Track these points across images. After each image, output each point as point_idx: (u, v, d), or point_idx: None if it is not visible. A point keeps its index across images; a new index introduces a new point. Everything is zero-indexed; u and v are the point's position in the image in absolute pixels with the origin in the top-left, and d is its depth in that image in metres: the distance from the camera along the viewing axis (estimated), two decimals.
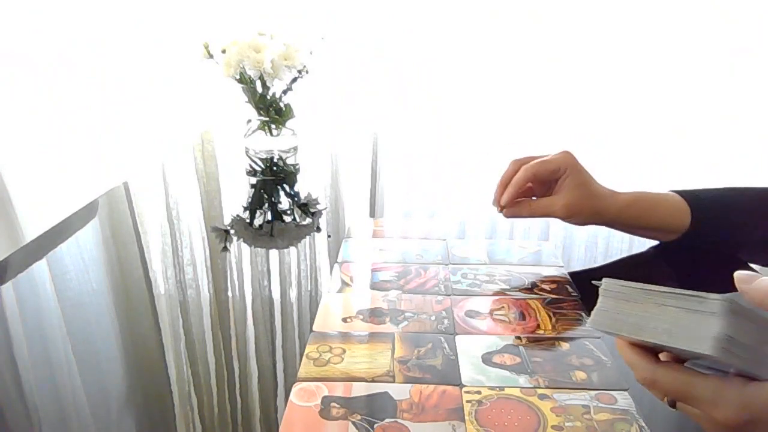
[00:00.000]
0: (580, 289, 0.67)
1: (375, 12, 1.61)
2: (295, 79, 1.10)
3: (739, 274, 0.36)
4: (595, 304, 0.40)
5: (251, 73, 1.06)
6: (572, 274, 0.70)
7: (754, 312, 0.34)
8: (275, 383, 0.53)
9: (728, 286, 0.38)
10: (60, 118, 1.69)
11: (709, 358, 0.33)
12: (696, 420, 0.37)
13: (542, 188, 0.72)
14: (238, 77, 1.07)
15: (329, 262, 0.74)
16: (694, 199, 0.70)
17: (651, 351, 0.38)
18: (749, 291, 0.36)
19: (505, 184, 0.71)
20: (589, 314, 0.61)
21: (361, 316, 0.61)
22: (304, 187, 1.03)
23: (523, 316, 0.61)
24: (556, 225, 0.86)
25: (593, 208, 0.69)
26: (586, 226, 0.73)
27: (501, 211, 0.72)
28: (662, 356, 0.39)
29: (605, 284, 0.38)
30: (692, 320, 0.33)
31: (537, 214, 0.71)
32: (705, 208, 0.70)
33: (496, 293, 0.66)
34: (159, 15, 1.63)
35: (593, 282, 0.39)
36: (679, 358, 0.38)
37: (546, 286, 0.67)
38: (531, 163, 0.70)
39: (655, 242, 0.76)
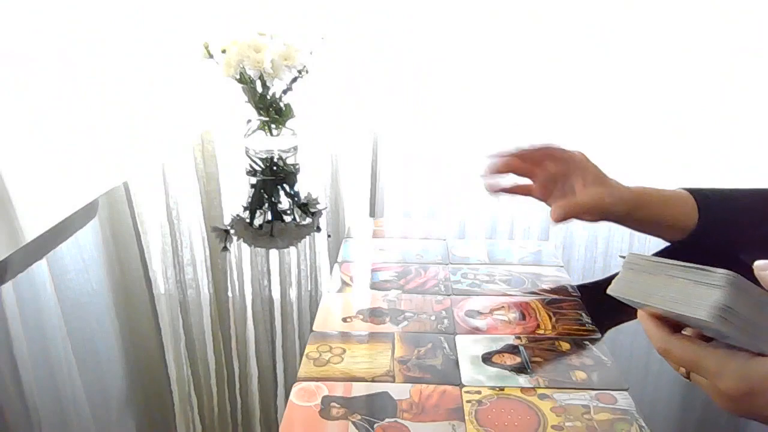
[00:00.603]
0: (580, 290, 0.67)
1: (375, 12, 1.61)
2: (295, 79, 1.10)
3: (758, 263, 0.38)
4: (594, 306, 0.41)
5: (251, 73, 1.06)
6: (579, 287, 0.69)
7: (758, 290, 0.36)
8: (275, 383, 0.53)
9: None
10: (60, 118, 1.69)
11: (708, 325, 0.35)
12: (704, 389, 0.39)
13: (554, 190, 0.70)
14: (238, 77, 1.07)
15: (329, 262, 0.74)
16: (702, 197, 0.70)
17: (669, 324, 0.40)
18: (765, 276, 0.38)
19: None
20: (589, 314, 0.61)
21: (361, 316, 0.61)
22: (304, 187, 1.03)
23: (523, 316, 0.61)
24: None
25: (612, 198, 0.68)
26: (585, 227, 0.73)
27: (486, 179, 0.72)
28: (686, 331, 0.41)
29: (628, 257, 0.42)
30: (697, 290, 0.36)
31: (574, 214, 0.67)
32: (712, 206, 0.70)
33: (496, 293, 0.66)
34: (159, 15, 1.63)
35: (620, 256, 0.43)
36: (703, 335, 0.40)
37: (546, 286, 0.67)
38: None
39: (655, 245, 0.76)
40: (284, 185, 1.04)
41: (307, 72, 1.10)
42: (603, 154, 0.77)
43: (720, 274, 0.35)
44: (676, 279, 0.37)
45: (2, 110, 1.62)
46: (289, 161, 1.14)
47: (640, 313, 0.42)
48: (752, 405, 0.36)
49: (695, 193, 0.70)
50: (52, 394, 0.52)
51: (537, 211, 0.89)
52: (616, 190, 0.69)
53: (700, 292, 0.35)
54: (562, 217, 0.67)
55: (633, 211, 0.69)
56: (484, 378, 0.52)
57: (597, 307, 0.62)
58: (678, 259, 0.38)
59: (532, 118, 1.64)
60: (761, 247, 0.71)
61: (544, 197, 0.73)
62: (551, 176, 0.71)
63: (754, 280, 0.37)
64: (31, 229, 1.61)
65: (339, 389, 0.50)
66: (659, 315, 0.40)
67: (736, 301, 0.34)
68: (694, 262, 0.37)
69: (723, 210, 0.70)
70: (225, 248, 0.79)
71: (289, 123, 1.15)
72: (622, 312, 0.47)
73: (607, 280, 0.43)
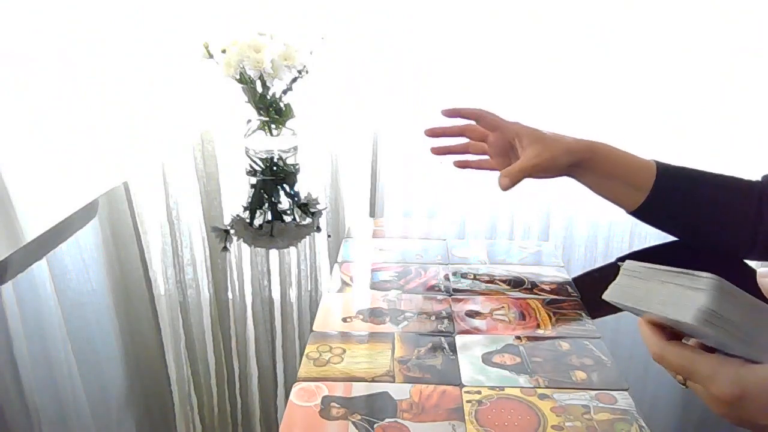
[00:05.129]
0: (579, 290, 0.67)
1: (375, 12, 1.61)
2: (295, 79, 1.10)
3: (762, 269, 0.38)
4: (593, 304, 0.42)
5: (251, 73, 1.06)
6: (575, 279, 0.70)
7: (744, 294, 0.36)
8: (275, 383, 0.54)
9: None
10: (60, 118, 1.69)
11: (695, 328, 0.36)
12: (699, 395, 0.39)
13: (505, 160, 0.77)
14: (238, 77, 1.07)
15: (329, 262, 0.74)
16: (664, 166, 0.72)
17: (666, 331, 0.41)
18: (765, 284, 0.39)
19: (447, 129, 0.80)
20: (588, 314, 0.61)
21: (361, 316, 0.61)
22: (304, 187, 1.03)
23: (523, 316, 0.61)
24: (556, 225, 0.86)
25: (553, 150, 0.71)
26: (584, 228, 0.73)
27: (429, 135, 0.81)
28: (687, 341, 0.41)
29: (626, 264, 0.42)
30: (684, 295, 0.36)
31: (519, 178, 0.71)
32: (671, 176, 0.72)
33: (496, 293, 0.66)
34: (159, 15, 1.63)
35: (618, 262, 0.44)
36: (704, 345, 0.41)
37: (546, 286, 0.67)
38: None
39: (652, 243, 0.77)
40: (284, 185, 1.04)
41: (307, 72, 1.10)
42: None
43: (705, 278, 0.35)
44: (666, 284, 0.38)
45: (2, 110, 1.62)
46: (289, 161, 1.14)
47: (639, 319, 0.42)
48: (744, 410, 0.37)
49: (659, 163, 0.72)
50: (52, 394, 0.52)
51: (537, 211, 0.89)
52: (557, 143, 0.72)
53: (687, 296, 0.36)
54: (508, 185, 0.70)
55: (586, 160, 0.72)
56: (484, 378, 0.52)
57: (593, 301, 0.62)
58: (671, 261, 0.39)
59: (532, 118, 1.64)
60: (705, 225, 0.72)
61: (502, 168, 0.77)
62: (499, 149, 0.77)
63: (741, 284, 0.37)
64: (31, 229, 1.61)
65: (339, 389, 0.50)
66: (656, 322, 0.41)
67: (722, 305, 0.35)
68: (686, 263, 0.38)
69: (680, 182, 0.72)
70: (225, 248, 0.79)
71: (289, 123, 1.15)
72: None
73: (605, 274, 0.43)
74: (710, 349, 0.40)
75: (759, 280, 0.39)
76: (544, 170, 0.72)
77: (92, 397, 0.52)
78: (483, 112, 0.78)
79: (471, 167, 0.82)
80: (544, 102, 1.64)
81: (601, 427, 0.46)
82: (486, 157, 0.80)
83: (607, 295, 0.43)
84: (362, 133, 1.35)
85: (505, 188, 0.70)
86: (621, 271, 0.43)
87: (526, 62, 1.63)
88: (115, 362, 0.58)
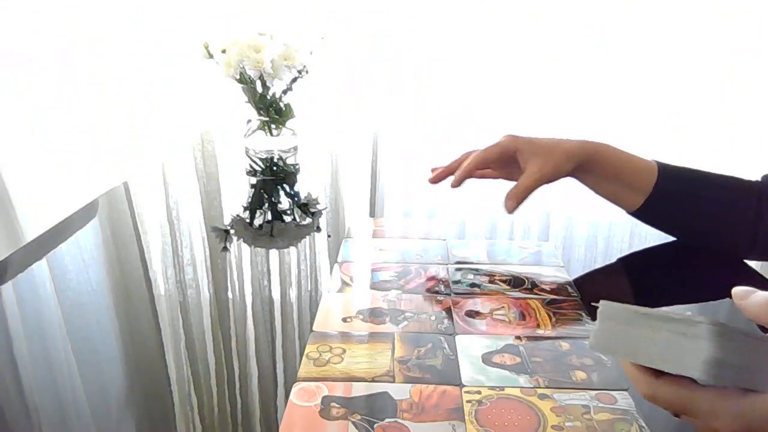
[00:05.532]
0: (579, 291, 0.67)
1: (375, 12, 1.61)
2: (295, 79, 1.10)
3: (736, 290, 0.37)
4: (593, 302, 0.40)
5: (251, 73, 1.06)
6: (575, 280, 0.70)
7: (743, 331, 0.35)
8: (275, 383, 0.53)
9: (726, 288, 0.38)
10: (60, 118, 1.69)
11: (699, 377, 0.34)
12: (698, 429, 0.38)
13: (513, 172, 0.75)
14: (238, 77, 1.07)
15: (329, 262, 0.74)
16: (665, 166, 0.72)
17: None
18: (745, 306, 0.37)
19: (451, 168, 0.76)
20: (588, 314, 0.61)
21: (361, 316, 0.61)
22: (304, 187, 1.03)
23: (523, 316, 0.61)
24: (556, 225, 0.86)
25: (553, 161, 0.71)
26: (584, 228, 0.73)
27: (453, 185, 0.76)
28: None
29: (602, 307, 0.39)
30: (683, 344, 0.34)
31: (524, 197, 0.71)
32: (673, 176, 0.71)
33: (496, 293, 0.66)
34: (159, 15, 1.63)
35: (592, 304, 0.40)
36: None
37: (546, 286, 0.67)
38: (478, 150, 0.74)
39: (653, 243, 0.77)
40: (284, 185, 1.04)
41: (307, 72, 1.10)
42: None
43: (704, 325, 0.34)
44: (660, 332, 0.35)
45: (2, 110, 1.62)
46: (289, 161, 1.14)
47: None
48: None
49: (660, 163, 0.72)
50: (52, 394, 0.52)
51: (537, 211, 0.89)
52: (556, 150, 0.71)
53: (687, 346, 0.34)
54: (514, 206, 0.70)
55: (587, 162, 0.71)
56: (484, 378, 0.52)
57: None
58: (671, 262, 0.38)
59: (532, 118, 1.64)
60: (705, 225, 0.72)
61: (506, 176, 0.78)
62: (501, 162, 0.75)
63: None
64: (31, 229, 1.61)
65: (339, 389, 0.50)
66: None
67: (726, 352, 0.33)
68: (687, 264, 0.36)
69: (680, 182, 0.72)
70: (225, 248, 0.79)
71: (289, 123, 1.15)
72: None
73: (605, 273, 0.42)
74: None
75: (736, 302, 0.37)
76: (548, 180, 0.71)
77: (92, 397, 0.52)
78: (476, 162, 0.74)
79: (475, 177, 0.81)
80: (544, 102, 1.64)
81: (601, 427, 0.46)
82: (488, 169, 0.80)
83: (593, 345, 0.39)
84: (362, 133, 1.35)
85: (511, 210, 0.70)
86: (599, 316, 0.39)
87: (526, 62, 1.63)
88: (115, 362, 0.58)
